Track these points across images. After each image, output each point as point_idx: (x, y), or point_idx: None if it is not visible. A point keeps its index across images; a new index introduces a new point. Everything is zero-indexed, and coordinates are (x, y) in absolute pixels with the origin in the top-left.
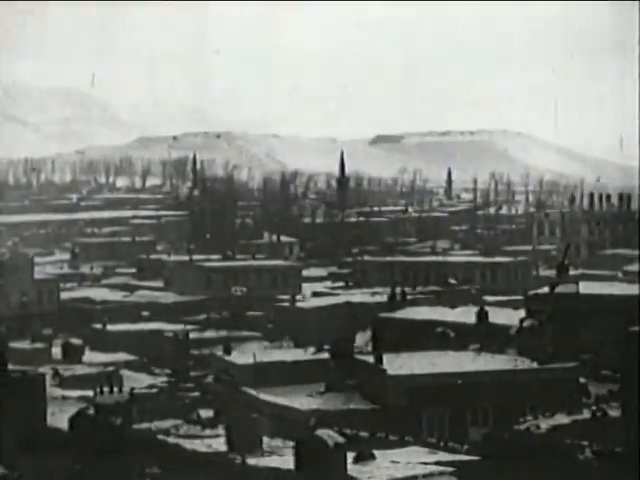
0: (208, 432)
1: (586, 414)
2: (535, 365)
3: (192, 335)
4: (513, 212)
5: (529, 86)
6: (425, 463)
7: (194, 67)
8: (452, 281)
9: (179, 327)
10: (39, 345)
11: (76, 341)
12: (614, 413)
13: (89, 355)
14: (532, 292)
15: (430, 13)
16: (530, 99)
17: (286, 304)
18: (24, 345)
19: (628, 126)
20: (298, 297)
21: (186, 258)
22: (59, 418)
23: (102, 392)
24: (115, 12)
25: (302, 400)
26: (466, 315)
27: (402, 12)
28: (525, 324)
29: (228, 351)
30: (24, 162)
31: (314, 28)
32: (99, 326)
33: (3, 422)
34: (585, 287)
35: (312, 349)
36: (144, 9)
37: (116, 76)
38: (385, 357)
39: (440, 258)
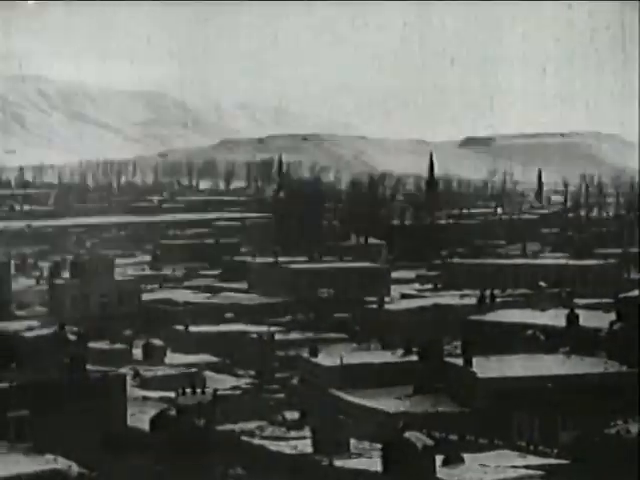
0: (294, 434)
1: None
2: (625, 368)
3: (277, 337)
4: (604, 215)
5: (620, 88)
6: (515, 467)
7: (279, 69)
8: (542, 284)
9: (263, 329)
10: (119, 346)
11: (157, 342)
12: None
13: (171, 356)
14: (622, 295)
15: (508, 13)
16: (621, 101)
17: (374, 306)
18: (104, 346)
19: None
20: (386, 299)
21: (271, 260)
22: (140, 418)
23: (184, 393)
24: (200, 15)
25: (390, 402)
26: (556, 318)
27: (482, 14)
28: (615, 327)
29: (314, 353)
30: (104, 164)
31: (398, 30)
32: (181, 327)
33: (82, 422)
34: None
35: (400, 351)
36: (232, 11)
37: (199, 78)
38: (475, 360)
39: (530, 261)
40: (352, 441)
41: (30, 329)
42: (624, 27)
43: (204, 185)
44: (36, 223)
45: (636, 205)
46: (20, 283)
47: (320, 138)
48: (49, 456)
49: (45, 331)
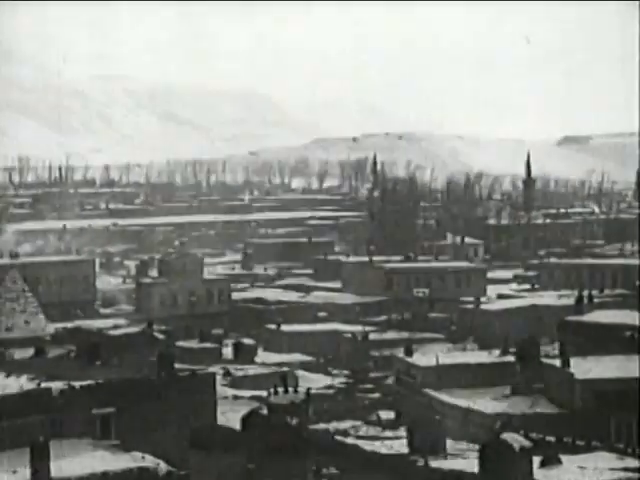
0: (389, 433)
1: None
2: None
3: (372, 336)
4: None
5: None
6: (613, 469)
7: (373, 67)
8: None
9: (358, 328)
10: (208, 345)
11: (248, 341)
12: None
13: (262, 355)
14: None
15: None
16: None
17: (470, 306)
18: (193, 344)
19: None
20: (482, 299)
21: (366, 259)
22: (230, 417)
23: (276, 392)
24: (290, 12)
25: (487, 403)
26: None
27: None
28: None
29: (410, 352)
30: (193, 163)
31: (498, 27)
32: (273, 326)
33: (171, 420)
34: None
35: (497, 352)
36: (321, 9)
37: (291, 76)
38: (572, 361)
39: (628, 261)
40: (448, 442)
41: (116, 327)
42: None
43: (296, 184)
44: (122, 222)
45: None
46: (105, 281)
47: (415, 137)
48: (136, 454)
49: (132, 329)
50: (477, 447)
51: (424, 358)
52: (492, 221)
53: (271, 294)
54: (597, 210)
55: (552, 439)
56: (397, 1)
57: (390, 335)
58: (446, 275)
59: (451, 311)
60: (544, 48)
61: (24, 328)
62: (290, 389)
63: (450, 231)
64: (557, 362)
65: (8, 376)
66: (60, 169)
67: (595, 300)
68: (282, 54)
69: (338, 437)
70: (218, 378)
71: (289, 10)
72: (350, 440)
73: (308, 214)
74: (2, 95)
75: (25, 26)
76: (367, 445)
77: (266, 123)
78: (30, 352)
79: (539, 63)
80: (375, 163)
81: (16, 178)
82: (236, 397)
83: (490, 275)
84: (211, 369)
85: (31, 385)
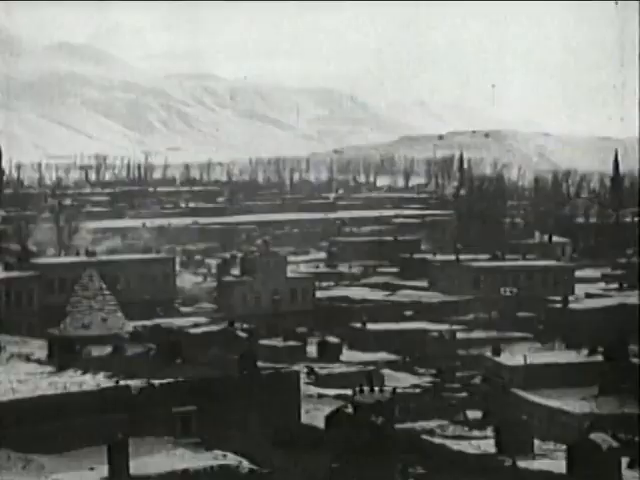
0: (476, 433)
1: None
2: None
3: (459, 335)
4: None
5: None
6: None
7: (459, 66)
8: None
9: (444, 327)
10: (292, 343)
11: (333, 340)
12: None
13: (347, 354)
14: None
15: None
16: None
17: (558, 305)
18: (276, 343)
19: None
20: (570, 298)
21: (452, 258)
22: (314, 416)
23: (362, 391)
24: (376, 13)
25: (575, 403)
26: None
27: None
28: None
29: (497, 352)
30: (275, 161)
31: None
32: (358, 325)
33: (253, 418)
34: None
35: (585, 351)
36: (405, 10)
37: (375, 75)
38: None
39: None
40: (536, 442)
41: (197, 325)
42: None
43: (382, 182)
44: (203, 220)
45: None
46: (186, 280)
47: (502, 135)
48: (217, 452)
49: (213, 328)
50: (565, 447)
51: (512, 357)
52: (580, 219)
53: (356, 292)
54: None
55: None
56: (470, 1)
57: (477, 334)
58: (534, 274)
59: (539, 310)
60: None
61: (101, 326)
62: (376, 388)
63: (538, 230)
64: None
65: (84, 373)
66: (139, 167)
67: None
68: (367, 52)
69: (424, 436)
70: (302, 376)
71: (375, 11)
72: (437, 440)
73: (394, 212)
74: (78, 94)
75: (102, 25)
76: (454, 445)
77: (351, 121)
78: (108, 350)
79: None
80: (462, 161)
81: (93, 176)
82: (320, 396)
83: (578, 274)
84: (295, 367)
85: (109, 383)
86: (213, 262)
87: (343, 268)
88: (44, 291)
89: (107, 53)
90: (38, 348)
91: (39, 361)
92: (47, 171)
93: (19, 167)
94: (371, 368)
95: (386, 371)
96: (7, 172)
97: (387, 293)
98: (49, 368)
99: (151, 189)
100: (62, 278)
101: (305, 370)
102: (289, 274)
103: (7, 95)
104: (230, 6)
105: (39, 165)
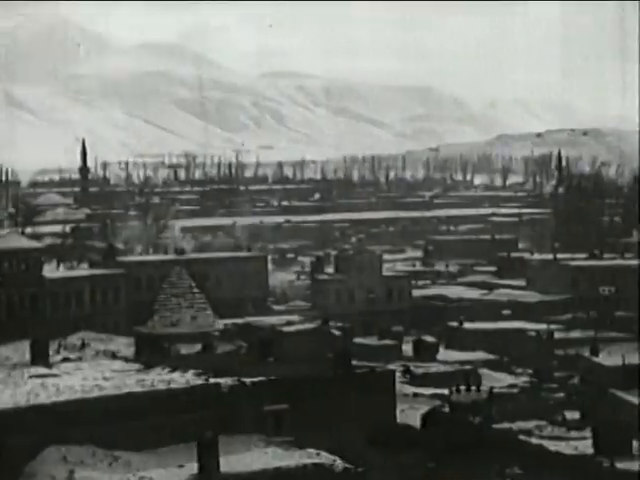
0: (574, 434)
1: None
2: None
3: (557, 335)
4: None
5: None
6: None
7: (553, 64)
8: None
9: (542, 327)
10: (388, 342)
11: (429, 339)
12: None
13: (443, 353)
14: None
15: None
16: None
17: None
18: (371, 341)
19: None
20: None
21: (550, 256)
22: (410, 415)
23: (458, 390)
24: (474, 13)
25: None
26: None
27: None
28: None
29: (595, 352)
30: (370, 159)
31: None
32: (455, 324)
33: (347, 417)
34: None
35: None
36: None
37: (472, 73)
38: None
39: None
40: (635, 443)
41: (290, 324)
42: None
43: (479, 180)
44: (295, 218)
45: None
46: (278, 278)
47: (601, 133)
48: (311, 450)
49: (307, 326)
50: None
51: (610, 358)
52: None
53: (453, 291)
54: None
55: None
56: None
57: (575, 334)
58: (632, 273)
59: (638, 310)
60: None
61: (190, 324)
62: (473, 387)
63: (636, 228)
64: None
65: (173, 371)
66: (230, 166)
67: None
68: (464, 50)
69: (522, 437)
70: (398, 375)
71: (473, 11)
72: (534, 440)
73: (491, 211)
74: (168, 93)
75: (193, 24)
76: (552, 445)
77: (448, 119)
78: (197, 348)
79: None
80: (560, 159)
81: (182, 175)
82: (416, 395)
83: None
84: (390, 366)
85: (198, 381)
86: (306, 260)
87: (440, 267)
88: (131, 289)
89: (198, 52)
90: (124, 345)
91: (126, 358)
92: (134, 169)
93: (105, 165)
94: (468, 367)
95: (483, 370)
96: (93, 170)
97: (484, 292)
98: (136, 365)
99: (242, 187)
100: (150, 276)
101: (401, 369)
102: (385, 272)
103: (94, 94)
104: (323, 5)
105: (126, 163)
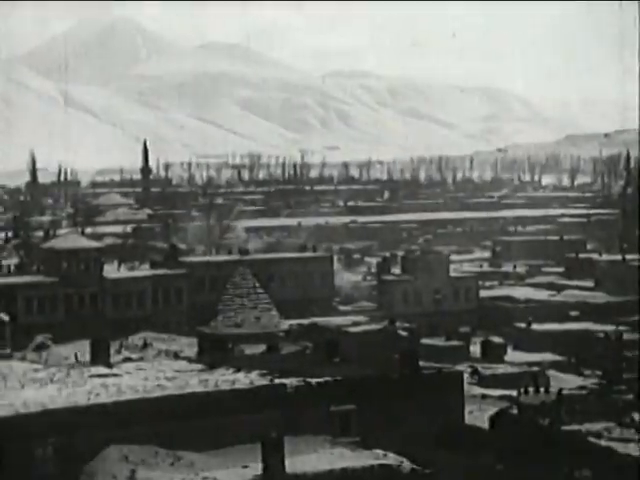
0: None
1: None
2: None
3: (625, 336)
4: None
5: None
6: None
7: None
8: None
9: (611, 328)
10: (455, 343)
11: (497, 340)
12: None
13: (512, 354)
14: None
15: None
16: None
17: None
18: (438, 342)
19: None
20: None
21: (619, 257)
22: (478, 416)
23: (527, 392)
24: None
25: None
26: None
27: None
28: None
29: None
30: (438, 160)
31: None
32: (523, 325)
33: (414, 418)
34: None
35: None
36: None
37: (540, 74)
38: None
39: None
40: None
41: (356, 324)
42: None
43: (547, 181)
44: (361, 219)
45: None
46: (344, 278)
47: None
48: (378, 451)
49: (373, 326)
50: None
51: None
52: None
53: (521, 292)
54: None
55: None
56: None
57: None
58: None
59: None
60: None
61: (255, 324)
62: (541, 389)
63: None
64: None
65: (237, 371)
66: (295, 166)
67: None
68: (532, 50)
69: (591, 438)
70: (465, 377)
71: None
72: (603, 442)
73: (559, 211)
74: (231, 93)
75: (256, 25)
76: (621, 447)
77: (516, 119)
78: (261, 348)
79: None
80: (628, 159)
81: (246, 175)
82: (484, 396)
83: None
84: (458, 367)
85: (263, 381)
86: (373, 261)
87: (507, 267)
88: (193, 289)
89: (261, 52)
90: (187, 346)
91: (188, 359)
92: (197, 170)
93: (167, 166)
94: (536, 369)
95: (551, 372)
96: (154, 171)
97: (552, 293)
98: (199, 366)
99: (307, 188)
100: (213, 276)
101: (468, 370)
102: (452, 273)
103: (155, 95)
104: (388, 5)
105: (189, 164)
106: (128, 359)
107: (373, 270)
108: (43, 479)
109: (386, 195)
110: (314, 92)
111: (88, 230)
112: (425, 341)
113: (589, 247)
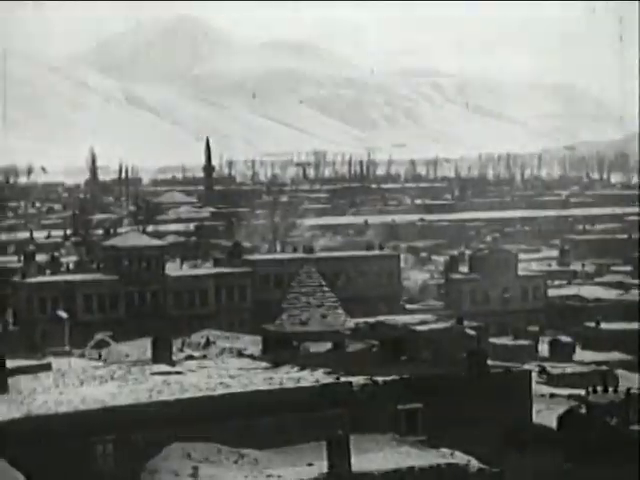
0: None
1: None
2: None
3: None
4: None
5: None
6: None
7: None
8: None
9: None
10: (523, 342)
11: (566, 338)
12: None
13: (580, 353)
14: None
15: None
16: None
17: None
18: (506, 341)
19: None
20: None
21: None
22: (546, 416)
23: (595, 391)
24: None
25: None
26: None
27: None
28: None
29: None
30: (506, 158)
31: None
32: (591, 324)
33: (482, 417)
34: None
35: None
36: None
37: (613, 69)
38: None
39: None
40: None
41: (423, 323)
42: None
43: (615, 179)
44: (429, 217)
45: None
46: (411, 277)
47: None
48: (445, 450)
49: (440, 325)
50: None
51: None
52: None
53: (589, 291)
54: None
55: None
56: None
57: None
58: None
59: None
60: None
61: (321, 322)
62: (610, 388)
63: None
64: None
65: (302, 369)
66: (361, 164)
67: None
68: (601, 48)
69: None
70: (534, 376)
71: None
72: None
73: (628, 210)
74: (296, 91)
75: (322, 23)
76: None
77: (584, 117)
78: (327, 346)
79: None
80: None
81: (311, 173)
82: (553, 395)
83: None
84: (526, 366)
85: (328, 379)
86: (440, 259)
87: (576, 266)
88: (258, 287)
89: (327, 50)
90: (251, 344)
91: (252, 357)
92: (262, 168)
93: (231, 164)
94: (605, 368)
95: (620, 371)
96: (217, 169)
97: (620, 292)
98: (263, 364)
99: (374, 185)
100: (278, 274)
101: (537, 369)
102: (520, 272)
103: (219, 93)
104: (455, 4)
105: (253, 162)
106: (190, 357)
107: (440, 268)
108: (104, 476)
109: (454, 193)
110: (382, 90)
111: (149, 228)
112: (493, 340)
113: None
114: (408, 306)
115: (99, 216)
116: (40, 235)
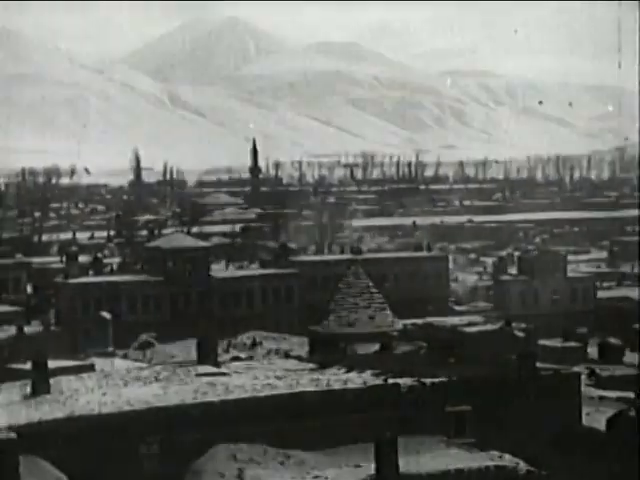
0: None
1: None
2: None
3: None
4: None
5: None
6: None
7: None
8: None
9: None
10: (572, 344)
11: (615, 341)
12: None
13: (630, 356)
14: None
15: None
16: None
17: None
18: (555, 343)
19: None
20: None
21: None
22: (595, 418)
23: None
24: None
25: None
26: None
27: None
28: None
29: None
30: (555, 159)
31: None
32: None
33: (531, 419)
34: None
35: None
36: None
37: None
38: None
39: None
40: None
41: (472, 324)
42: None
43: None
44: (478, 218)
45: None
46: (460, 278)
47: None
48: (493, 452)
49: (489, 327)
50: None
51: None
52: None
53: (638, 293)
54: None
55: None
56: None
57: None
58: None
59: None
60: None
61: (368, 323)
62: None
63: None
64: None
65: (350, 371)
66: (409, 165)
67: None
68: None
69: None
70: (583, 378)
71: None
72: None
73: None
74: (343, 92)
75: (369, 24)
76: None
77: (634, 118)
78: (375, 348)
79: None
80: None
81: (359, 174)
82: (602, 398)
83: None
84: (575, 369)
85: (376, 381)
86: (489, 260)
87: (625, 268)
88: (305, 288)
89: (374, 51)
90: (298, 345)
91: (299, 358)
92: (309, 169)
93: (277, 165)
94: None
95: None
96: (264, 170)
97: None
98: (310, 365)
99: (422, 187)
100: (325, 275)
101: (586, 371)
102: (569, 273)
103: (265, 94)
104: (503, 5)
105: (299, 163)
106: (236, 358)
107: (489, 270)
108: (148, 476)
109: (502, 194)
110: (430, 91)
111: (194, 229)
112: (542, 342)
113: None
114: (456, 307)
115: (143, 217)
116: (83, 236)
